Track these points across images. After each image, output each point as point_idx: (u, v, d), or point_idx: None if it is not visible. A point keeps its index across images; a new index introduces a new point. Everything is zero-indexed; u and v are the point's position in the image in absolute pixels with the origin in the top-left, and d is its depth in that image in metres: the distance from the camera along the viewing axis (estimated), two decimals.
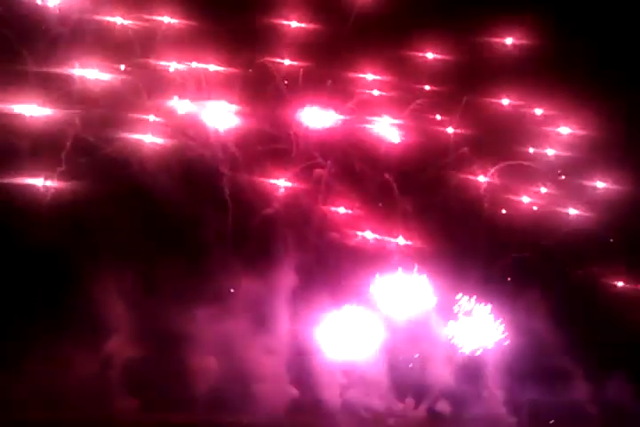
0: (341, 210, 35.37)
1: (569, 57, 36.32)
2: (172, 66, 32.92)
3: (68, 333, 30.80)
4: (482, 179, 36.90)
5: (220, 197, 33.72)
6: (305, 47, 34.25)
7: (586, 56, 36.42)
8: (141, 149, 32.39)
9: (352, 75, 35.45)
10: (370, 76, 35.58)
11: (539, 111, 37.11)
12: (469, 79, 36.30)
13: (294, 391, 33.78)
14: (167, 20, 33.13)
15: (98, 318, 31.17)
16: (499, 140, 36.77)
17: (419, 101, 36.23)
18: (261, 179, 34.09)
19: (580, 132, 37.34)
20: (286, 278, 33.96)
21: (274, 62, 34.11)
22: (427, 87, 36.11)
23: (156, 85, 32.69)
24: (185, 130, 33.19)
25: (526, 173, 37.07)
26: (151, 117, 32.55)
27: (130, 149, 32.23)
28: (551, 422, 36.57)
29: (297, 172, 34.95)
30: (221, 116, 33.61)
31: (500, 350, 36.02)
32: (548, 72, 36.41)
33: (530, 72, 36.33)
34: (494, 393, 36.09)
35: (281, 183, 34.49)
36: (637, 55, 37.04)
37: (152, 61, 32.49)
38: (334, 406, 34.00)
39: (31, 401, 30.48)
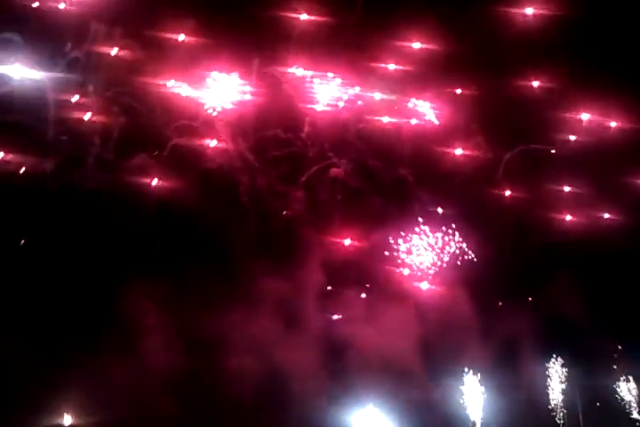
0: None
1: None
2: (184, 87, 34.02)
3: (109, 342, 32.35)
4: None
5: (241, 205, 34.95)
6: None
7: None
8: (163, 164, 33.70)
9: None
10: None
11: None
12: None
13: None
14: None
15: (138, 327, 32.62)
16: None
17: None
18: (279, 183, 35.26)
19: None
20: (313, 277, 35.24)
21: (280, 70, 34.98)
22: None
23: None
24: (201, 140, 34.31)
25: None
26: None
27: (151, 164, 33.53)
28: None
29: (313, 173, 36.01)
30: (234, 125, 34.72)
31: None
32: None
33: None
34: None
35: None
36: None
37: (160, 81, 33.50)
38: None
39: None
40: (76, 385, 31.60)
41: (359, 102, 35.72)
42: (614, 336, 36.89)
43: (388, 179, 37.02)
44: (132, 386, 32.17)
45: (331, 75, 35.63)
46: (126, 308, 32.65)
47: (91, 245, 32.40)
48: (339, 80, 35.97)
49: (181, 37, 34.08)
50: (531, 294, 37.73)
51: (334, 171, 36.56)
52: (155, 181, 33.55)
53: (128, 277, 32.66)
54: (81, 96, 32.74)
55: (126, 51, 32.83)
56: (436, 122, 36.84)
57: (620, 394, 36.89)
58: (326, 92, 35.83)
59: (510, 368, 36.10)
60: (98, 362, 31.93)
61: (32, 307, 31.46)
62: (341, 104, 35.86)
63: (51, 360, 31.43)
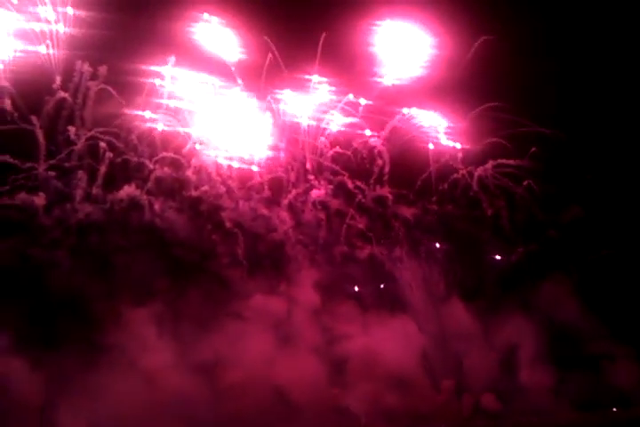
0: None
1: None
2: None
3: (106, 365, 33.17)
4: None
5: (228, 228, 36.54)
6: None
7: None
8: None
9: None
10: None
11: None
12: None
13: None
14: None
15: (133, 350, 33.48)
16: None
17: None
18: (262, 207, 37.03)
19: None
20: (305, 293, 36.51)
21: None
22: None
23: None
24: (186, 168, 36.27)
25: None
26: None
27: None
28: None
29: (295, 195, 37.89)
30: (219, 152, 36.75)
31: None
32: None
33: None
34: None
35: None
36: None
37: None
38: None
39: None
40: (76, 408, 32.24)
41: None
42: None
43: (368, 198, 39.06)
44: (134, 408, 32.83)
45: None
46: (123, 333, 33.83)
47: (85, 271, 33.76)
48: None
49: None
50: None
51: (315, 193, 38.51)
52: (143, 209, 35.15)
53: (123, 302, 34.03)
54: (68, 133, 34.61)
55: (111, 88, 34.92)
56: None
57: None
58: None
59: None
60: (97, 386, 32.79)
61: (28, 334, 32.47)
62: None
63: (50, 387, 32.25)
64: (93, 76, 34.53)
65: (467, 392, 37.61)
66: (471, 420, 37.31)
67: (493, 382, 37.88)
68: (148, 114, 35.47)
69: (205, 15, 36.10)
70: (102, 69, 34.43)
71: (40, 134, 33.75)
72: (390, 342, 36.86)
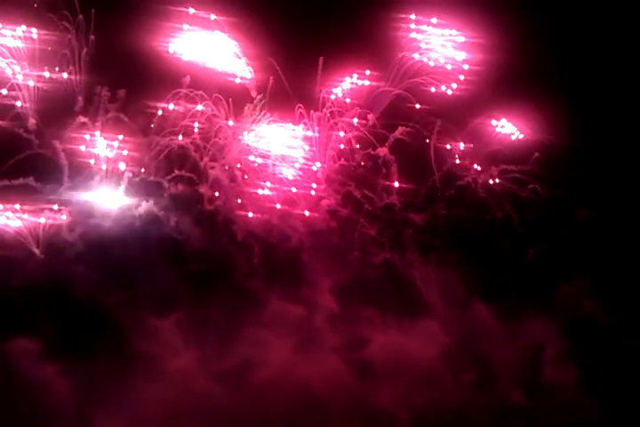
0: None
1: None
2: None
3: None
4: None
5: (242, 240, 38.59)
6: None
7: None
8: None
9: None
10: None
11: None
12: None
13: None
14: None
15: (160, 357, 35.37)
16: None
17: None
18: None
19: None
20: (324, 298, 38.26)
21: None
22: None
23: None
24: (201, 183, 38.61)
25: None
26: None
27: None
28: None
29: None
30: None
31: None
32: None
33: None
34: None
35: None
36: None
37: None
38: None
39: None
40: (109, 414, 33.87)
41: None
42: None
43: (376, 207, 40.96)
44: (165, 413, 34.39)
45: None
46: (148, 345, 35.64)
47: (110, 284, 35.86)
48: None
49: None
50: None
51: (325, 202, 40.50)
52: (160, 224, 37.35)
53: (147, 312, 35.94)
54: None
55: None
56: None
57: None
58: None
59: None
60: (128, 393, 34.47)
61: (58, 343, 34.42)
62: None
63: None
64: (112, 100, 37.10)
65: (493, 389, 38.82)
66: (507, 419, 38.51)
67: (520, 380, 39.26)
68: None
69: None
70: (121, 93, 37.03)
71: (62, 156, 36.43)
72: (413, 343, 38.46)
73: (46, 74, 35.90)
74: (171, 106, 37.95)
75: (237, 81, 38.64)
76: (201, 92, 37.92)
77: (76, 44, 36.07)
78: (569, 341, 39.64)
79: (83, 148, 36.49)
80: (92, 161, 36.58)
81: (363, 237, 40.10)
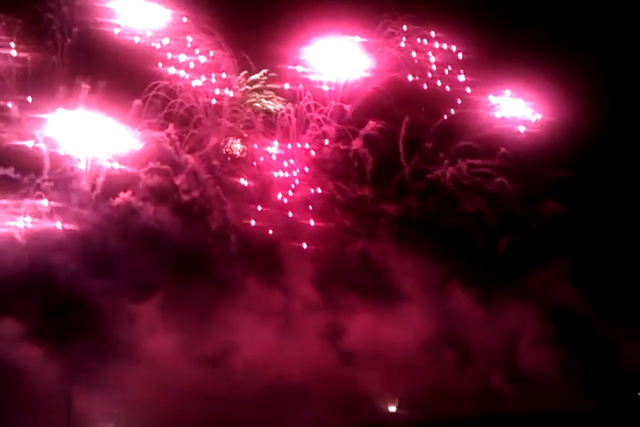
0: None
1: None
2: None
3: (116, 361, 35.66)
4: None
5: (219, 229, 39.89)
6: None
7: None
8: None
9: None
10: None
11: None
12: None
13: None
14: None
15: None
16: None
17: None
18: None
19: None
20: (302, 285, 39.50)
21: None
22: None
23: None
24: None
25: None
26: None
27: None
28: None
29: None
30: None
31: None
32: None
33: None
34: None
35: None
36: None
37: None
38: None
39: None
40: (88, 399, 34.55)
41: None
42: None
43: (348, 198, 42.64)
44: (148, 396, 35.09)
45: None
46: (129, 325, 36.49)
47: (90, 271, 36.77)
48: None
49: None
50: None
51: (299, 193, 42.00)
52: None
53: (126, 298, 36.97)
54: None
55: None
56: None
57: None
58: None
59: None
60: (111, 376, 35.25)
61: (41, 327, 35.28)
62: None
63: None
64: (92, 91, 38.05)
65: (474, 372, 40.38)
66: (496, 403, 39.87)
67: (500, 365, 40.87)
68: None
69: None
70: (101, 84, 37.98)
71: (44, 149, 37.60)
72: (393, 327, 39.92)
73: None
74: None
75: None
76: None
77: (59, 37, 37.74)
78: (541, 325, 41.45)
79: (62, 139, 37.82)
80: (71, 152, 37.97)
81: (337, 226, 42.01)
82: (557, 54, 41.82)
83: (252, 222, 40.11)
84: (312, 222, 41.10)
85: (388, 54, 42.26)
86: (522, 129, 43.23)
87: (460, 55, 42.39)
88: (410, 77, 42.27)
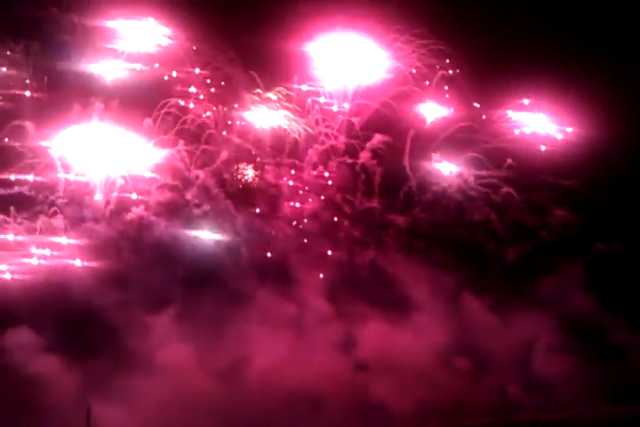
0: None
1: None
2: None
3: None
4: None
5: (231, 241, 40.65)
6: None
7: None
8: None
9: None
10: None
11: None
12: None
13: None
14: None
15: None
16: None
17: None
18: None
19: None
20: (315, 296, 40.15)
21: None
22: None
23: None
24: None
25: None
26: None
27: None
28: None
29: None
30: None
31: None
32: None
33: None
34: None
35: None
36: None
37: None
38: None
39: None
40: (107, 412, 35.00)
41: None
42: None
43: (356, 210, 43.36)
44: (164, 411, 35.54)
45: None
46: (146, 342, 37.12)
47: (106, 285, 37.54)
48: None
49: None
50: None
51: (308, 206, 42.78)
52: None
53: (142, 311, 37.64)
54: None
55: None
56: None
57: None
58: None
59: None
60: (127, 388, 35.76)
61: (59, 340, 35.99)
62: None
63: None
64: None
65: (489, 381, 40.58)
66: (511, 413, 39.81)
67: (515, 373, 40.92)
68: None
69: None
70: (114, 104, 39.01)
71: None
72: (408, 337, 40.33)
73: None
74: None
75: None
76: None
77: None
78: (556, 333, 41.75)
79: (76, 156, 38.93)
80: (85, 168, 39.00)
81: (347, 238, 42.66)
82: (572, 66, 42.67)
83: (263, 234, 41.05)
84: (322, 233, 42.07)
85: (396, 68, 43.50)
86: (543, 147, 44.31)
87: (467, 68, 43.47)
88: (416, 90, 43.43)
